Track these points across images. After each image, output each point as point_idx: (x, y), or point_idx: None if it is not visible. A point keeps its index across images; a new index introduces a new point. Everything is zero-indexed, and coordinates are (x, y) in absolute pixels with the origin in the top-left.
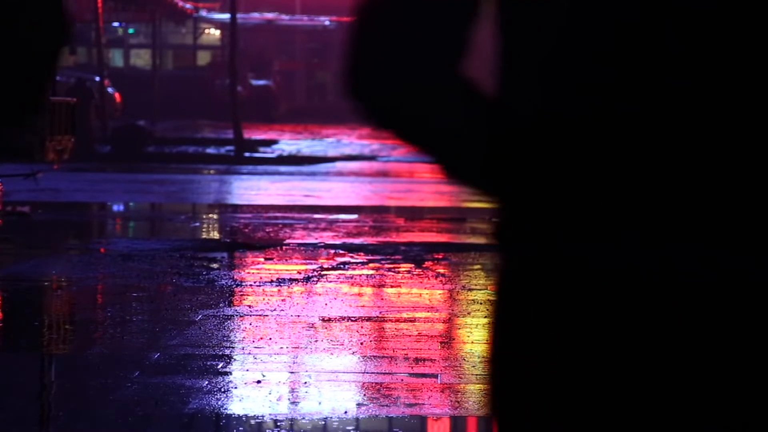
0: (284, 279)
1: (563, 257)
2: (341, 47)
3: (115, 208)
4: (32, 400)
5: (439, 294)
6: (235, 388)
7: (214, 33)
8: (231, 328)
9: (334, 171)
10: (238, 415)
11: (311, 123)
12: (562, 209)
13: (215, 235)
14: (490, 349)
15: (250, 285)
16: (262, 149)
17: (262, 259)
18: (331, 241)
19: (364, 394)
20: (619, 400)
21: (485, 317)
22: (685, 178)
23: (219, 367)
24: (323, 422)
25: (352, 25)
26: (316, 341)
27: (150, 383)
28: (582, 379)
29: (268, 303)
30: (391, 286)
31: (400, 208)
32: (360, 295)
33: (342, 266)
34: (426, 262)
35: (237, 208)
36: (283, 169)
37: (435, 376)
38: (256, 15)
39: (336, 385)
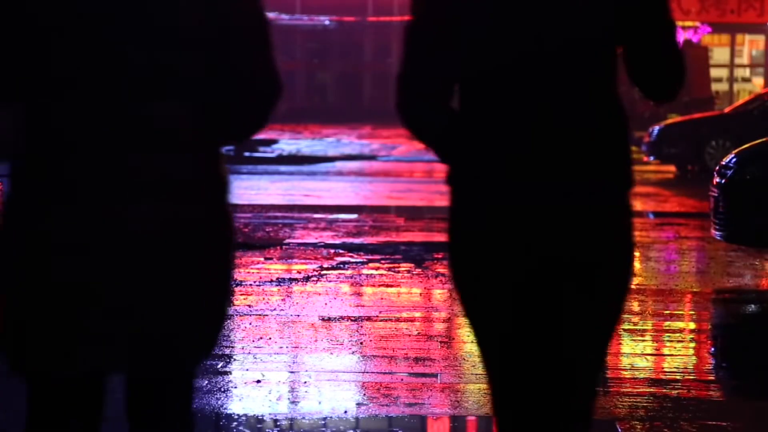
0: (284, 279)
1: (480, 191)
2: (342, 48)
3: None
4: None
5: (439, 294)
6: (235, 387)
7: None
8: (231, 327)
9: (334, 171)
10: (238, 414)
11: (311, 123)
12: (476, 165)
13: None
14: (448, 246)
15: (250, 285)
16: (261, 149)
17: (262, 259)
18: (331, 241)
19: (364, 394)
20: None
21: None
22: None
23: (219, 366)
24: (323, 422)
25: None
26: (316, 341)
27: None
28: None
29: (268, 303)
30: (391, 286)
31: (400, 208)
32: (360, 295)
33: (342, 266)
34: (426, 262)
35: (237, 207)
36: (283, 168)
37: (435, 375)
38: None
39: (336, 384)
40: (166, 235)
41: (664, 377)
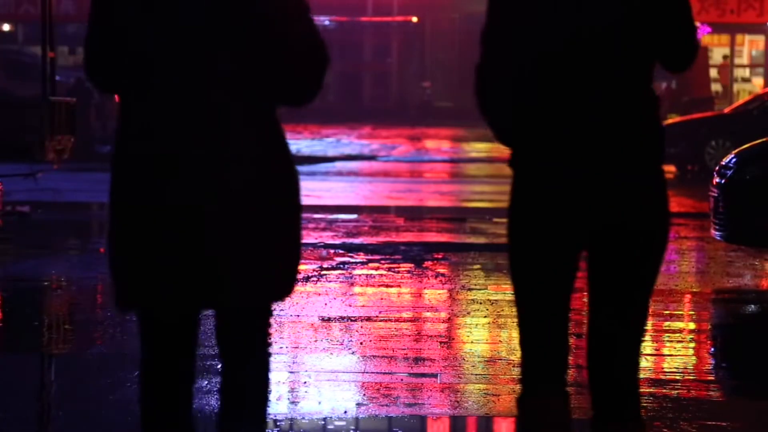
0: None
1: (535, 171)
2: (338, 48)
3: None
4: (32, 400)
5: (439, 294)
6: None
7: None
8: None
9: (334, 171)
10: None
11: (311, 123)
12: (531, 150)
13: None
14: (507, 223)
15: None
16: None
17: None
18: (331, 241)
19: (364, 394)
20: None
21: (485, 317)
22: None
23: (219, 367)
24: (323, 422)
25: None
26: (316, 341)
27: None
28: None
29: None
30: (391, 286)
31: (400, 208)
32: (360, 295)
33: (342, 266)
34: (426, 262)
35: None
36: None
37: (435, 375)
38: None
39: (336, 384)
40: (252, 193)
41: (664, 377)
